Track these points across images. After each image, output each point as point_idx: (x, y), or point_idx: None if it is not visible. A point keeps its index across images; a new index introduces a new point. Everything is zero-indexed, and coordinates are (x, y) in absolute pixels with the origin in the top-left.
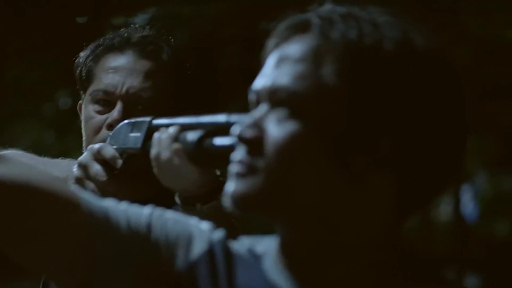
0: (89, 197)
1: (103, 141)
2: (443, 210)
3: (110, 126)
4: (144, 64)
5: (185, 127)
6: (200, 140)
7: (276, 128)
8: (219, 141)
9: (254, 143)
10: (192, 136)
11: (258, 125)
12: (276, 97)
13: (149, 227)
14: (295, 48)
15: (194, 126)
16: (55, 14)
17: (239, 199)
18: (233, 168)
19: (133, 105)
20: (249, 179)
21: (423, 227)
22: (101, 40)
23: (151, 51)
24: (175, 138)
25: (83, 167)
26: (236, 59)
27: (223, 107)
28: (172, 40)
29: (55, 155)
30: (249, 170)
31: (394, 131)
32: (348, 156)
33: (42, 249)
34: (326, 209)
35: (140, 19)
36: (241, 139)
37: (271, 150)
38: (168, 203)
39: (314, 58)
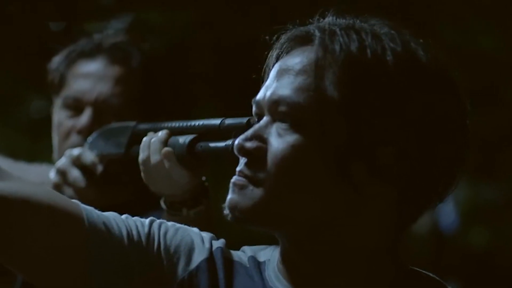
0: (89, 209)
1: (74, 146)
2: (422, 219)
3: (80, 132)
4: (114, 70)
5: (173, 131)
6: (192, 143)
7: (277, 140)
8: (212, 144)
9: (255, 155)
10: (183, 139)
11: (259, 137)
12: (277, 109)
13: (150, 236)
14: (297, 60)
15: (183, 130)
16: (28, 19)
17: (239, 212)
18: (233, 179)
19: (103, 111)
20: (249, 192)
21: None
22: (75, 46)
23: (121, 57)
24: (165, 142)
25: (62, 172)
26: (207, 67)
27: (193, 114)
28: (145, 46)
29: (28, 161)
30: (249, 182)
31: (395, 143)
32: (349, 167)
33: (43, 262)
34: (326, 220)
35: (113, 25)
36: (241, 150)
37: (271, 162)
38: (146, 208)
39: (315, 71)
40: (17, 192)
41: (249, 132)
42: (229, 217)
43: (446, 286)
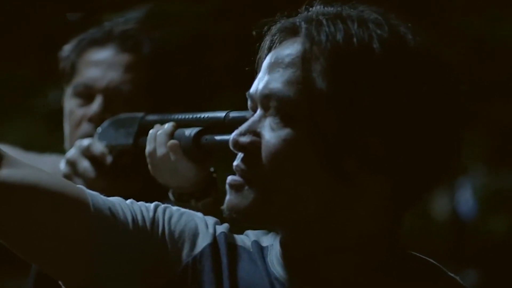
0: (95, 194)
1: (85, 135)
2: (442, 206)
3: (91, 120)
4: (124, 58)
5: (180, 124)
6: (197, 136)
7: (270, 134)
8: (218, 137)
9: (249, 149)
10: (189, 132)
11: (253, 131)
12: (268, 103)
13: (154, 222)
14: (286, 52)
15: (189, 122)
16: (45, 10)
17: (236, 213)
18: (229, 180)
19: (114, 98)
20: (245, 192)
21: (421, 224)
22: (85, 34)
23: (132, 44)
24: (171, 134)
25: (71, 163)
26: (226, 57)
27: (209, 104)
28: (156, 34)
29: (44, 151)
30: (244, 181)
31: (385, 132)
32: (341, 159)
33: (50, 247)
34: (321, 214)
35: (130, 15)
36: (236, 145)
37: (265, 157)
38: (156, 199)
39: (303, 63)
40: (24, 178)
41: (243, 126)
42: (228, 218)
43: (443, 269)
